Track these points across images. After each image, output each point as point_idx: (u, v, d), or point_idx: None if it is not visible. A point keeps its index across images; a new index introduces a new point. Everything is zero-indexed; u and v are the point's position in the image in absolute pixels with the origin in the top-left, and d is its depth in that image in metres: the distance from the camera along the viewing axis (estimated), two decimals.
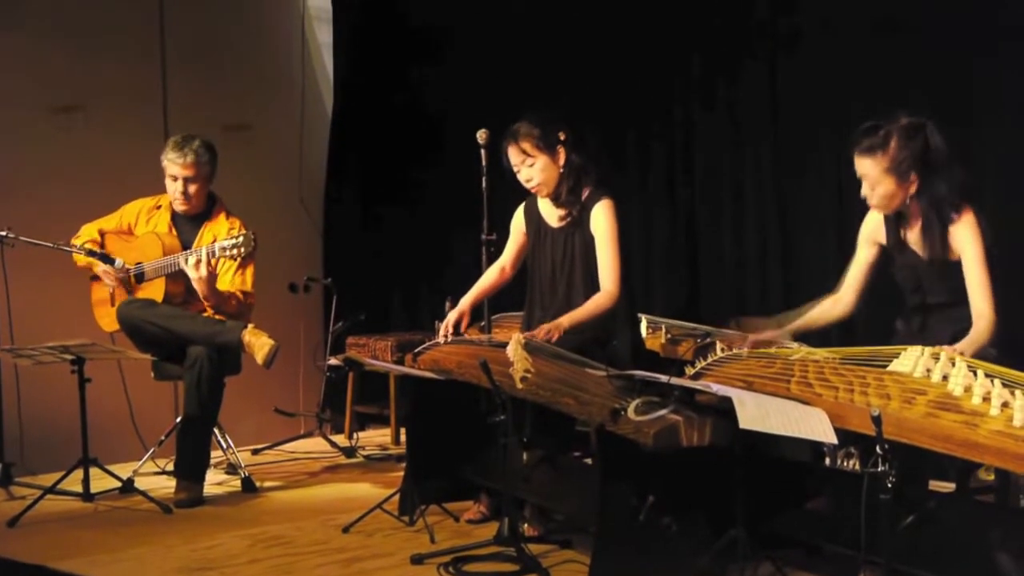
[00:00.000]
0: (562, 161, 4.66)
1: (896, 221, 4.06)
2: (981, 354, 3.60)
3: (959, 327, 3.81)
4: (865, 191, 4.00)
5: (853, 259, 4.25)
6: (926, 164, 3.89)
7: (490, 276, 5.02)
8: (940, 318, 3.97)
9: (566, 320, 4.47)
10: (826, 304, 4.28)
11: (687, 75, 6.05)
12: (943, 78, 5.02)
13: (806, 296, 4.45)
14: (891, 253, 4.11)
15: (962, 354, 3.56)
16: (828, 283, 5.15)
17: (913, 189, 3.93)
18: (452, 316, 4.87)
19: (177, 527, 4.90)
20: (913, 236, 4.02)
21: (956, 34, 4.99)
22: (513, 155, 4.67)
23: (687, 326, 5.33)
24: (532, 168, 4.65)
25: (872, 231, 4.17)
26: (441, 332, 4.86)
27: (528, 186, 4.71)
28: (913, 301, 4.08)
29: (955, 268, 3.92)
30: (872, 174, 3.94)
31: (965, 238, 3.88)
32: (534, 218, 4.84)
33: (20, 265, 5.68)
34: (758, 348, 4.16)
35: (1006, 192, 4.91)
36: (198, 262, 5.27)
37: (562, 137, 4.65)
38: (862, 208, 4.18)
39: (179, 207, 5.57)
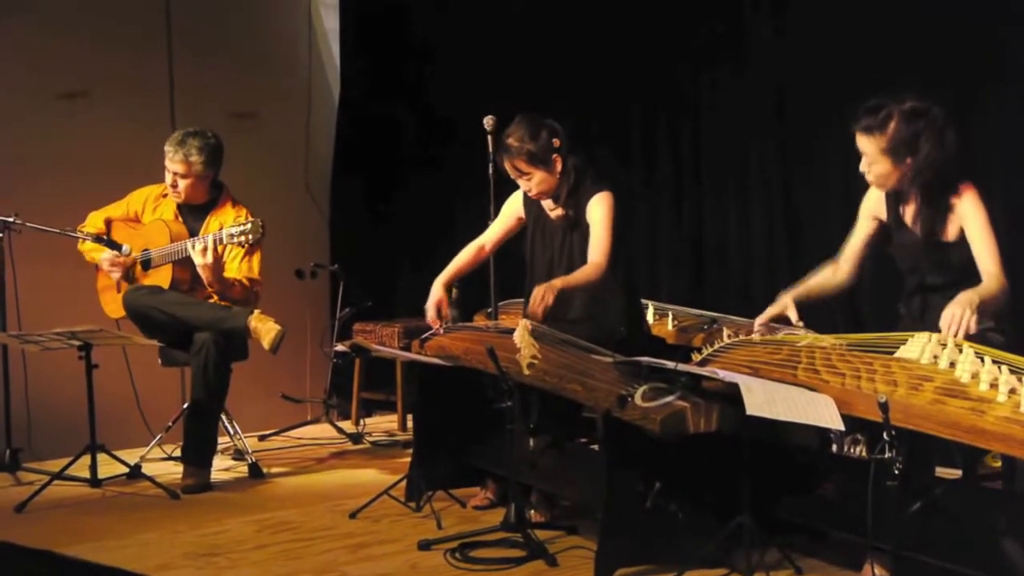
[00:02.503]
0: (559, 169, 4.62)
1: (896, 198, 4.05)
2: (988, 340, 3.59)
3: None
4: (863, 167, 3.99)
5: (853, 231, 4.23)
6: (924, 148, 3.87)
7: (467, 254, 4.96)
8: (940, 300, 3.93)
9: (559, 282, 4.42)
10: (827, 272, 4.24)
11: (693, 63, 6.03)
12: (950, 62, 5.01)
13: (856, 281, 4.42)
14: (890, 231, 4.10)
15: (971, 303, 3.53)
16: None
17: (910, 172, 3.91)
18: (430, 308, 4.82)
19: (184, 513, 4.91)
20: (910, 214, 4.00)
21: (960, 17, 4.99)
22: (508, 169, 4.65)
23: (693, 312, 5.33)
24: (530, 181, 4.63)
25: (872, 207, 4.14)
26: (431, 325, 4.85)
27: (529, 195, 4.71)
28: (911, 282, 4.06)
29: (952, 249, 3.90)
30: (869, 152, 3.93)
31: (968, 212, 3.84)
32: (534, 205, 4.82)
33: (27, 251, 5.69)
34: (766, 331, 4.15)
35: (1012, 179, 4.91)
36: (204, 249, 5.28)
37: (556, 144, 4.60)
38: (866, 191, 4.17)
39: (173, 198, 5.58)
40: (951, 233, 3.91)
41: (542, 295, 4.35)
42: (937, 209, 3.90)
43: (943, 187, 3.89)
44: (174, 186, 5.51)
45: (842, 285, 4.26)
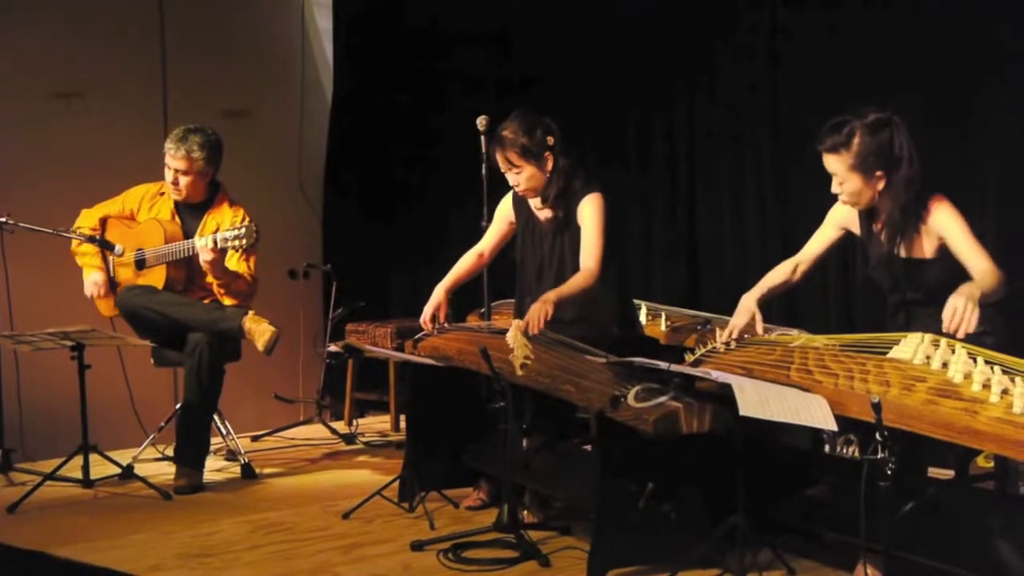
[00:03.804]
0: (549, 167, 4.62)
1: (868, 216, 4.02)
2: (980, 343, 3.58)
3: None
4: (835, 187, 3.95)
5: (816, 234, 4.21)
6: (892, 160, 3.85)
7: (467, 261, 4.99)
8: (923, 314, 3.91)
9: (553, 295, 4.41)
10: (787, 268, 4.22)
11: (688, 64, 6.03)
12: (943, 67, 5.02)
13: (805, 282, 4.43)
14: (865, 248, 4.07)
15: (972, 296, 3.49)
16: (828, 270, 5.13)
17: (881, 185, 3.88)
18: (428, 310, 4.85)
19: (177, 513, 4.91)
20: (884, 231, 3.98)
21: (957, 19, 5.00)
22: (500, 161, 4.64)
23: (687, 313, 5.33)
24: (519, 175, 4.63)
25: (843, 217, 4.11)
26: (424, 326, 4.86)
27: (516, 189, 4.71)
28: (893, 299, 4.03)
29: (929, 266, 3.88)
30: (839, 171, 3.90)
31: (945, 223, 3.82)
32: (523, 209, 4.82)
33: (20, 251, 5.68)
34: (738, 336, 4.15)
35: (1008, 181, 4.91)
36: (211, 247, 5.24)
37: (550, 142, 4.61)
38: None
39: (172, 196, 5.57)
40: (927, 249, 3.89)
41: (541, 310, 4.34)
42: (909, 223, 3.87)
43: (914, 200, 3.86)
44: (175, 183, 5.50)
45: (798, 283, 4.25)
